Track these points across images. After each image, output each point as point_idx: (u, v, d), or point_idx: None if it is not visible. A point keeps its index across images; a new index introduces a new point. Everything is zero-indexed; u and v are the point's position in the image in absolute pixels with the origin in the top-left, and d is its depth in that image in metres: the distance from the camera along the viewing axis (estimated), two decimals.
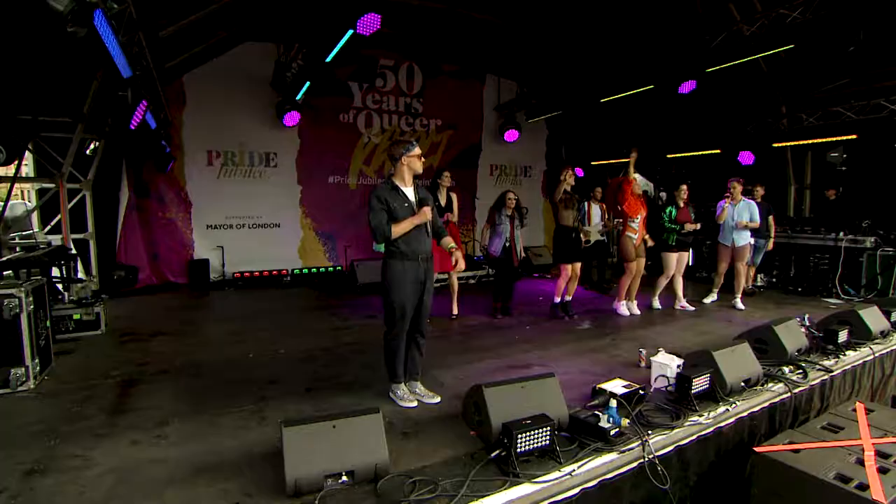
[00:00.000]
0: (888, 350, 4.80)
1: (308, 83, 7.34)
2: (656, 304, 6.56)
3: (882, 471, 2.86)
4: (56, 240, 6.39)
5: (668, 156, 10.04)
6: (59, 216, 6.35)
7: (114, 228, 7.81)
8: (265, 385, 3.56)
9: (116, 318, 5.62)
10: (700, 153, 9.33)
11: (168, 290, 7.90)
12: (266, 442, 2.71)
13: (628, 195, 6.04)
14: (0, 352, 3.35)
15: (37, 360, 3.60)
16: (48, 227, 6.46)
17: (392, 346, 3.33)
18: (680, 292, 6.54)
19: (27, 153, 6.16)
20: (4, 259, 3.96)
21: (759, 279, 7.89)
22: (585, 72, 8.76)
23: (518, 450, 2.39)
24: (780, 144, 8.24)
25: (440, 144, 10.71)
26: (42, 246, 5.17)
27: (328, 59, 6.19)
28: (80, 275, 6.14)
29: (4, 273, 3.82)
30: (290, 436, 2.17)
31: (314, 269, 9.27)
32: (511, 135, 10.78)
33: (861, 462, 2.96)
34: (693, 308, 6.48)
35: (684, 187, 6.47)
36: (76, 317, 5.06)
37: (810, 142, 7.90)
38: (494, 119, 11.15)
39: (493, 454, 2.46)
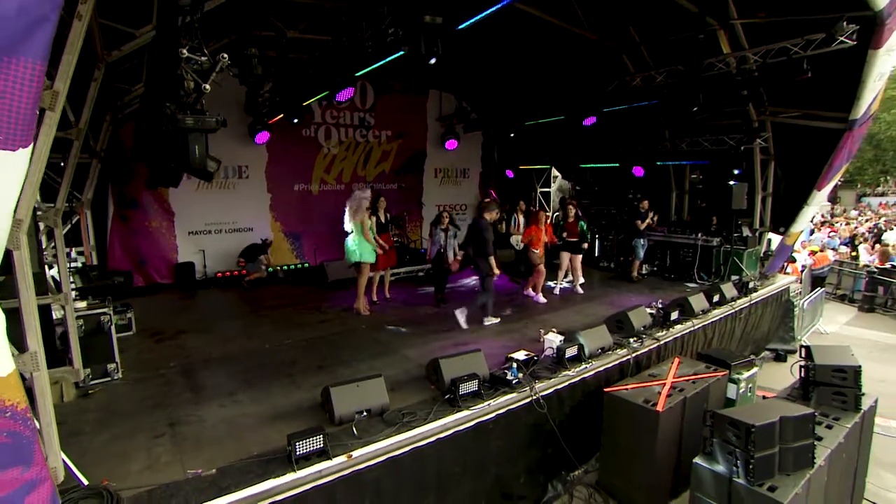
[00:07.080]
0: (707, 322, 7.14)
1: (281, 115, 8.64)
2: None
3: (669, 396, 4.98)
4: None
5: (581, 165, 12.21)
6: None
7: (103, 239, 8.84)
8: (290, 365, 5.18)
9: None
10: (604, 165, 11.55)
11: (157, 290, 9.03)
12: (307, 399, 4.39)
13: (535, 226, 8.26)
14: (100, 353, 4.75)
15: (120, 357, 5.01)
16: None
17: None
18: (560, 276, 8.99)
19: None
20: (92, 286, 5.26)
21: (643, 268, 10.23)
22: (513, 99, 10.63)
23: (460, 393, 4.23)
24: (662, 163, 10.56)
25: (391, 152, 12.28)
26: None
27: (304, 104, 7.60)
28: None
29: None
30: (335, 391, 3.89)
31: (284, 267, 10.68)
32: (451, 144, 12.57)
33: (660, 392, 5.08)
34: (569, 286, 8.98)
35: (571, 206, 9.03)
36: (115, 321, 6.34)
37: (683, 163, 10.29)
38: (437, 127, 12.85)
39: (446, 396, 4.30)
